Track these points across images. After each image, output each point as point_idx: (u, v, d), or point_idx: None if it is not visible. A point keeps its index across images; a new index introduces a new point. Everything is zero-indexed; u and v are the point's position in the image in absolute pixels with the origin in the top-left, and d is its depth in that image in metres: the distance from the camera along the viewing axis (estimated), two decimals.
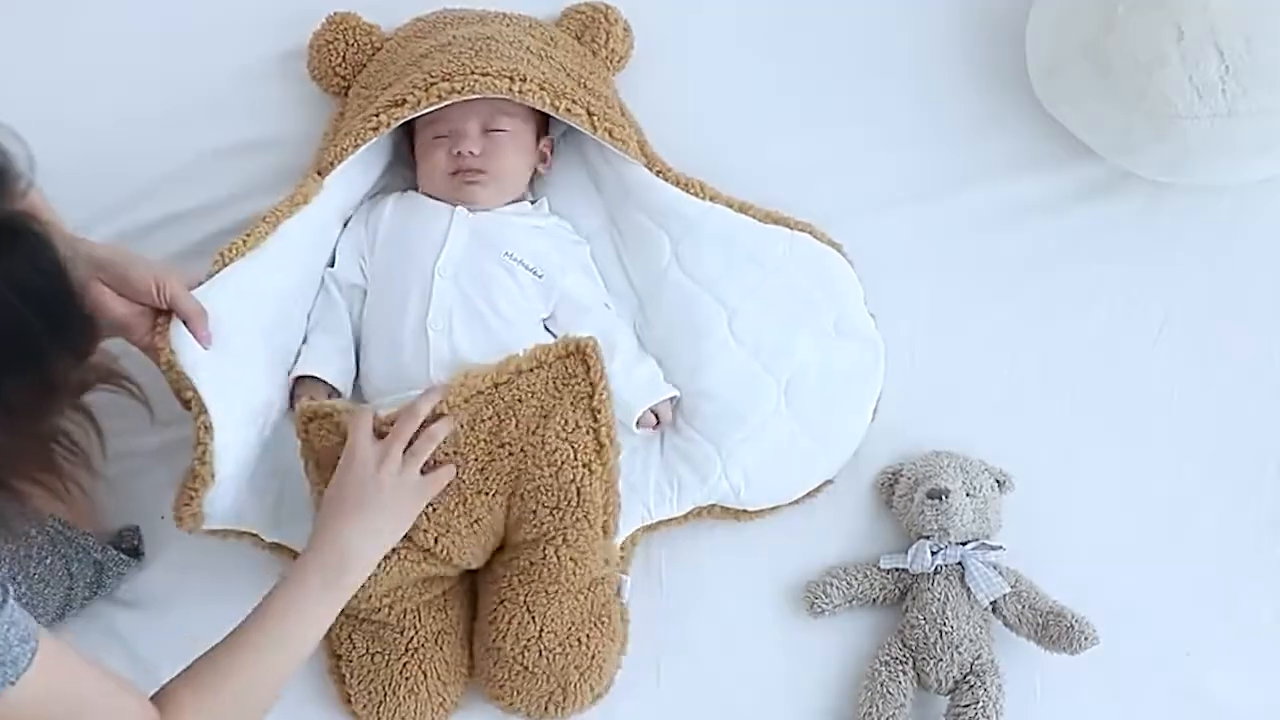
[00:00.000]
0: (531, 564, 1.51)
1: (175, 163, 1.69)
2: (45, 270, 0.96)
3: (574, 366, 1.50)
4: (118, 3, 1.78)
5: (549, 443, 1.48)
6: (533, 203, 1.66)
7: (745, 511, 1.61)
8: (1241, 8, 1.51)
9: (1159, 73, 1.52)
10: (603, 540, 1.52)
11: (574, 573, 1.51)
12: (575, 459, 1.48)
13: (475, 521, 1.49)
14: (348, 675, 1.54)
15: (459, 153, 1.58)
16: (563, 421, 1.49)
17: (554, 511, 1.48)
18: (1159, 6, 1.52)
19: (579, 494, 1.48)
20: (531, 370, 1.48)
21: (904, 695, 1.53)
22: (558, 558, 1.50)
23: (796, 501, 1.61)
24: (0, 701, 1.09)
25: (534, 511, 1.49)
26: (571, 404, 1.49)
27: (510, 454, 1.48)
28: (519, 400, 1.48)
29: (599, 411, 1.50)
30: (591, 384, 1.50)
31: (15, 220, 0.95)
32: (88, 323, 1.00)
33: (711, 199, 1.63)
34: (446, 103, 1.55)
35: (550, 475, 1.48)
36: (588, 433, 1.50)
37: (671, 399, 1.60)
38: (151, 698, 1.25)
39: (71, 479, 1.06)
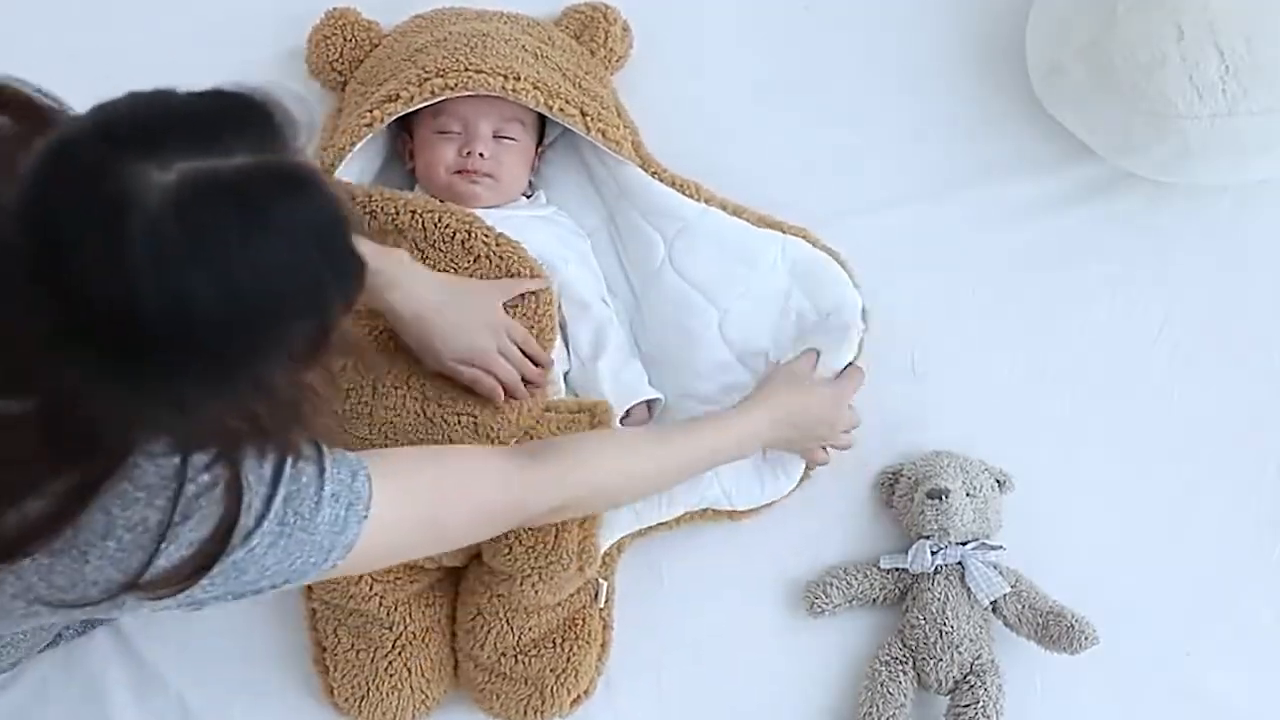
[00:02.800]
0: (510, 592, 1.51)
1: None
2: (328, 214, 0.99)
3: (582, 419, 1.52)
4: (116, 3, 1.78)
5: None
6: (528, 196, 1.66)
7: (737, 511, 1.60)
8: (1241, 8, 1.51)
9: (1159, 73, 1.52)
10: (579, 576, 1.52)
11: (551, 601, 1.52)
12: None
13: None
14: (331, 668, 1.55)
15: (469, 153, 1.58)
16: None
17: (529, 550, 1.48)
18: (1159, 6, 1.52)
19: (556, 538, 1.48)
20: (544, 410, 1.51)
21: (904, 695, 1.53)
22: (534, 591, 1.50)
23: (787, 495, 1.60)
24: (368, 533, 1.16)
25: (510, 546, 1.48)
26: None
27: None
28: (524, 433, 1.49)
29: None
30: None
31: (300, 167, 0.98)
32: (363, 268, 1.03)
33: (706, 201, 1.63)
34: (440, 99, 1.55)
35: None
36: None
37: (650, 402, 1.60)
38: (525, 445, 1.41)
39: (320, 429, 1.10)
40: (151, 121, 0.96)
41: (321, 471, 1.13)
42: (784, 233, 1.63)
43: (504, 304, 1.50)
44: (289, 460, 1.10)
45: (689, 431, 1.50)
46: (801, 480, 1.60)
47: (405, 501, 1.21)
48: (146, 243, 0.91)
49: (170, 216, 0.91)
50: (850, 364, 1.59)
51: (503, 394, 1.48)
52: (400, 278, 1.43)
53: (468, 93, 1.55)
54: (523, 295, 1.52)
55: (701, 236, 1.62)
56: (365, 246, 1.44)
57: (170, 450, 1.04)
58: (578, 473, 1.36)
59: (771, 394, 1.53)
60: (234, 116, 0.97)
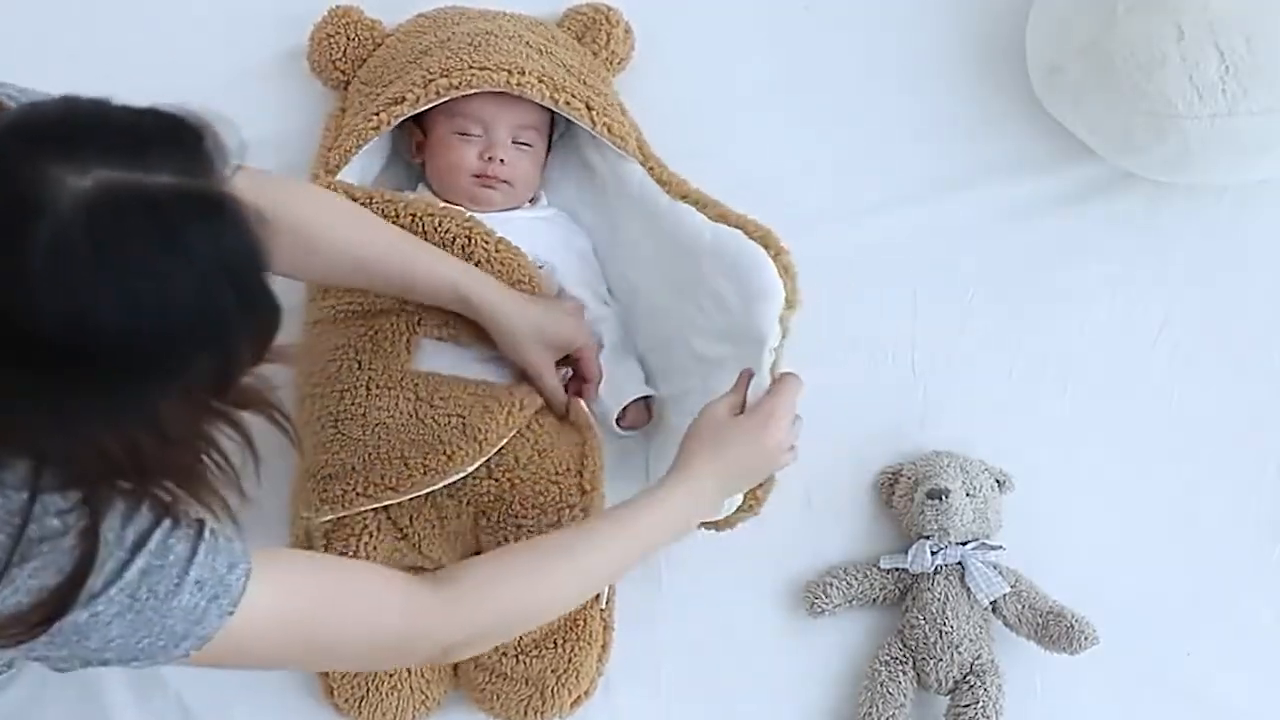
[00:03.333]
0: None
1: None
2: (246, 248, 0.96)
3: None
4: (115, 4, 1.78)
5: (539, 482, 1.49)
6: (532, 200, 1.66)
7: (714, 522, 1.51)
8: (1241, 8, 1.51)
9: (1159, 73, 1.52)
10: None
11: None
12: (560, 500, 1.49)
13: (442, 519, 1.50)
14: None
15: (490, 158, 1.58)
16: (556, 462, 1.50)
17: (537, 523, 1.49)
18: (1159, 6, 1.52)
19: (558, 505, 1.49)
20: (536, 411, 1.52)
21: (904, 695, 1.53)
22: None
23: (751, 509, 1.49)
24: (231, 631, 1.10)
25: (517, 525, 1.49)
26: (566, 446, 1.52)
27: (494, 479, 1.49)
28: (515, 433, 1.49)
29: (586, 458, 1.52)
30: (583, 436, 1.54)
31: (224, 196, 0.96)
32: (275, 311, 1.00)
33: (682, 197, 1.57)
34: (445, 98, 1.55)
35: (535, 515, 1.49)
36: (575, 475, 1.51)
37: (646, 400, 1.60)
38: (431, 573, 1.28)
39: (215, 496, 1.06)
40: (78, 126, 0.94)
41: (192, 553, 1.07)
42: (730, 224, 1.51)
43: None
44: (157, 531, 1.06)
45: (616, 527, 1.36)
46: (750, 501, 1.49)
47: (283, 610, 1.14)
48: (52, 245, 0.89)
49: (81, 222, 0.90)
50: (786, 374, 1.45)
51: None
52: (489, 283, 1.49)
53: (472, 90, 1.55)
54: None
55: (672, 233, 1.56)
56: (440, 254, 1.49)
57: (21, 485, 1.00)
58: (485, 602, 1.26)
59: (694, 459, 1.40)
60: (164, 135, 0.96)
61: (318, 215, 1.42)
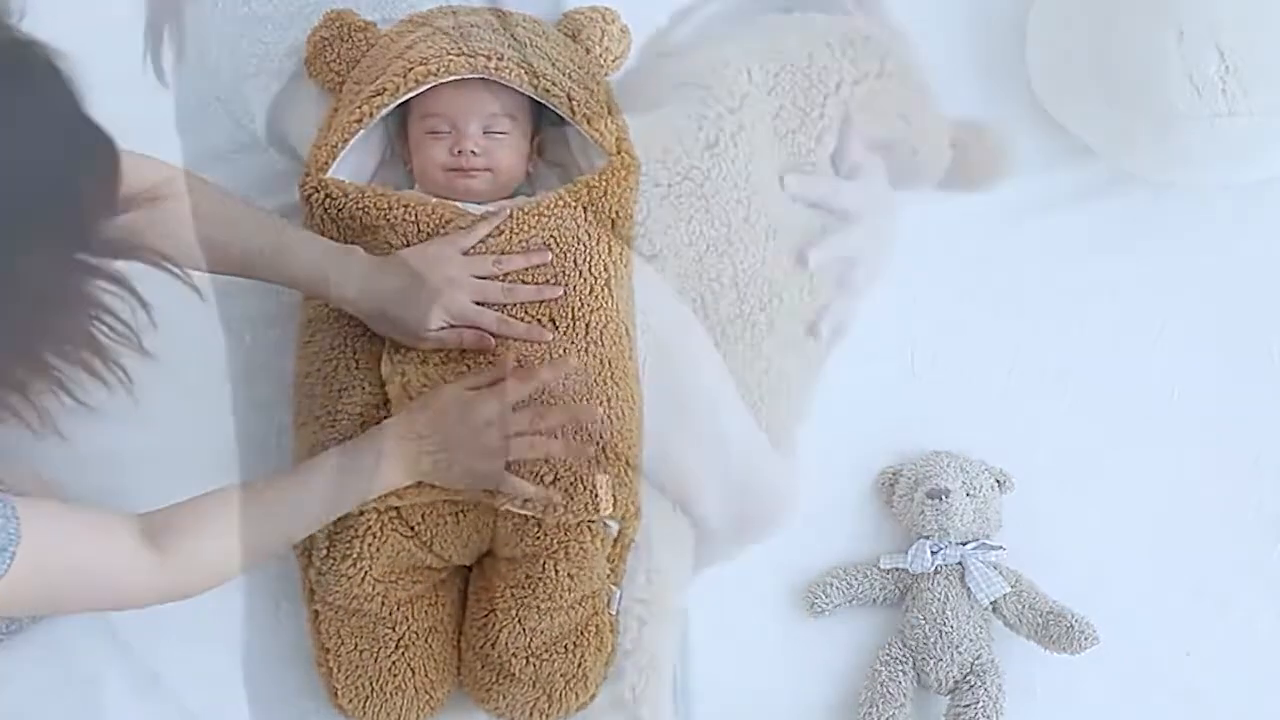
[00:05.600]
0: (528, 577, 1.50)
1: (174, 164, 1.69)
2: (55, 88, 0.93)
3: None
4: (115, 3, 1.78)
5: None
6: (528, 194, 1.66)
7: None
8: (1241, 8, 1.51)
9: (1159, 73, 1.52)
10: (601, 554, 1.52)
11: (570, 589, 1.50)
12: None
13: (459, 513, 1.49)
14: (335, 669, 1.54)
15: (460, 151, 1.58)
16: None
17: (560, 523, 1.49)
18: (1159, 6, 1.52)
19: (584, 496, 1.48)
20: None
21: (904, 695, 1.53)
22: (555, 572, 1.49)
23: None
24: None
25: (538, 524, 1.49)
26: None
27: None
28: None
29: None
30: None
31: (16, 40, 0.93)
32: (106, 141, 0.97)
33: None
34: (425, 86, 1.55)
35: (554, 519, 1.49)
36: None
37: None
38: (146, 515, 1.26)
39: (116, 361, 1.02)
40: None
41: None
42: None
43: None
44: None
45: (301, 481, 1.37)
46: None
47: (32, 576, 1.12)
48: None
49: None
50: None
51: (493, 343, 1.45)
52: (354, 274, 1.41)
53: (452, 76, 1.54)
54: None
55: None
56: (319, 245, 1.42)
57: None
58: (192, 572, 1.29)
59: (394, 419, 1.42)
60: None
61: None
